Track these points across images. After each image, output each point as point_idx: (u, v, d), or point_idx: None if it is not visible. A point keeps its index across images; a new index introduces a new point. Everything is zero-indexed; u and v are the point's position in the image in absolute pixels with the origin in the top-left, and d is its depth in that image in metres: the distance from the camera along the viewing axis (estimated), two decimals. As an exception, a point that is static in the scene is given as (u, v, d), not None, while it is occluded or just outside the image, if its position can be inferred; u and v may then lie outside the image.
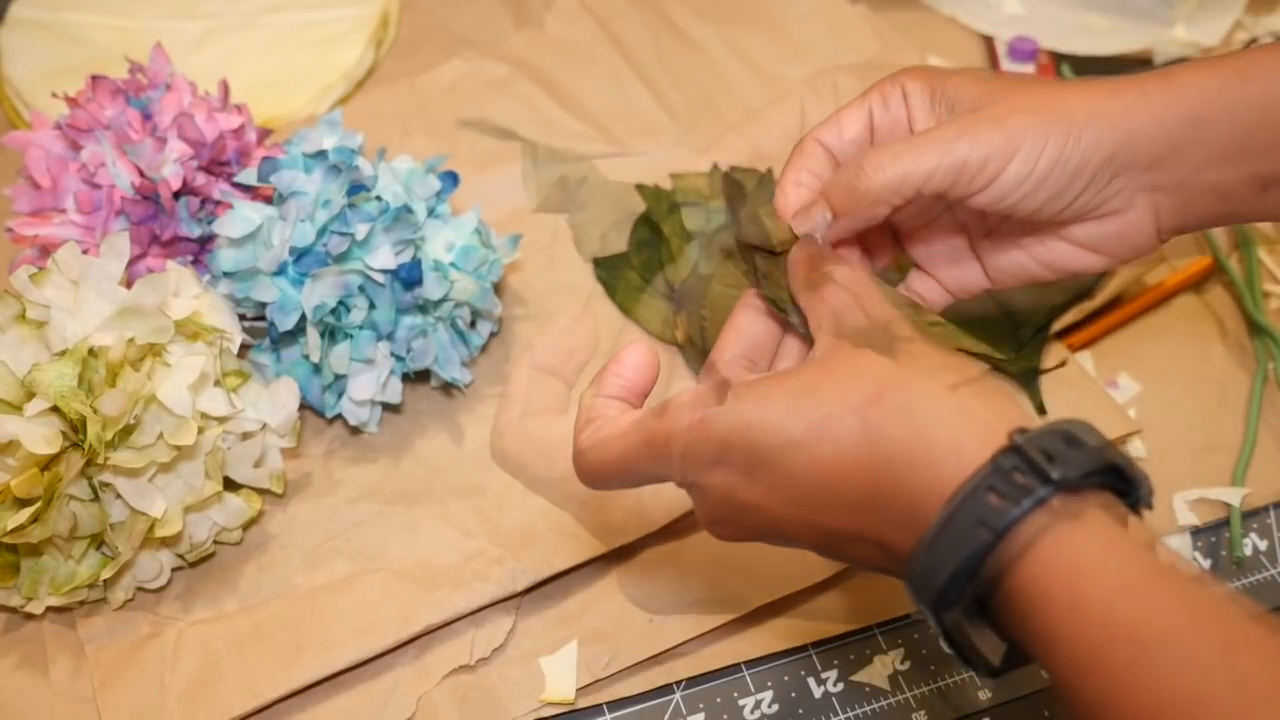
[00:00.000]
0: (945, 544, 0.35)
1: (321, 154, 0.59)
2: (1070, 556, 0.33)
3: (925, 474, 0.36)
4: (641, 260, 0.70)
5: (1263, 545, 0.62)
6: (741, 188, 0.70)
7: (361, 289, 0.59)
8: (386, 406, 0.64)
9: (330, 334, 0.60)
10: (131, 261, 0.59)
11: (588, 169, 0.45)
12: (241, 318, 0.60)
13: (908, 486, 0.36)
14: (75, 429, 0.52)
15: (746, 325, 0.46)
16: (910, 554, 0.36)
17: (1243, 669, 0.31)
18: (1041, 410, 0.64)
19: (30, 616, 0.57)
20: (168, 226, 0.61)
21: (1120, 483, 0.36)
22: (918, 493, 0.36)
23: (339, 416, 0.63)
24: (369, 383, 0.60)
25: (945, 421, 0.36)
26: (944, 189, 0.44)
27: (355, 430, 0.63)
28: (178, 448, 0.54)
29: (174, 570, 0.58)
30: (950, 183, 0.44)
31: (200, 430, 0.54)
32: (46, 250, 0.61)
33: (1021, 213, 0.45)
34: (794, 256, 0.45)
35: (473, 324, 0.64)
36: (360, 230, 0.57)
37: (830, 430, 0.38)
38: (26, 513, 0.51)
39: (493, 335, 0.66)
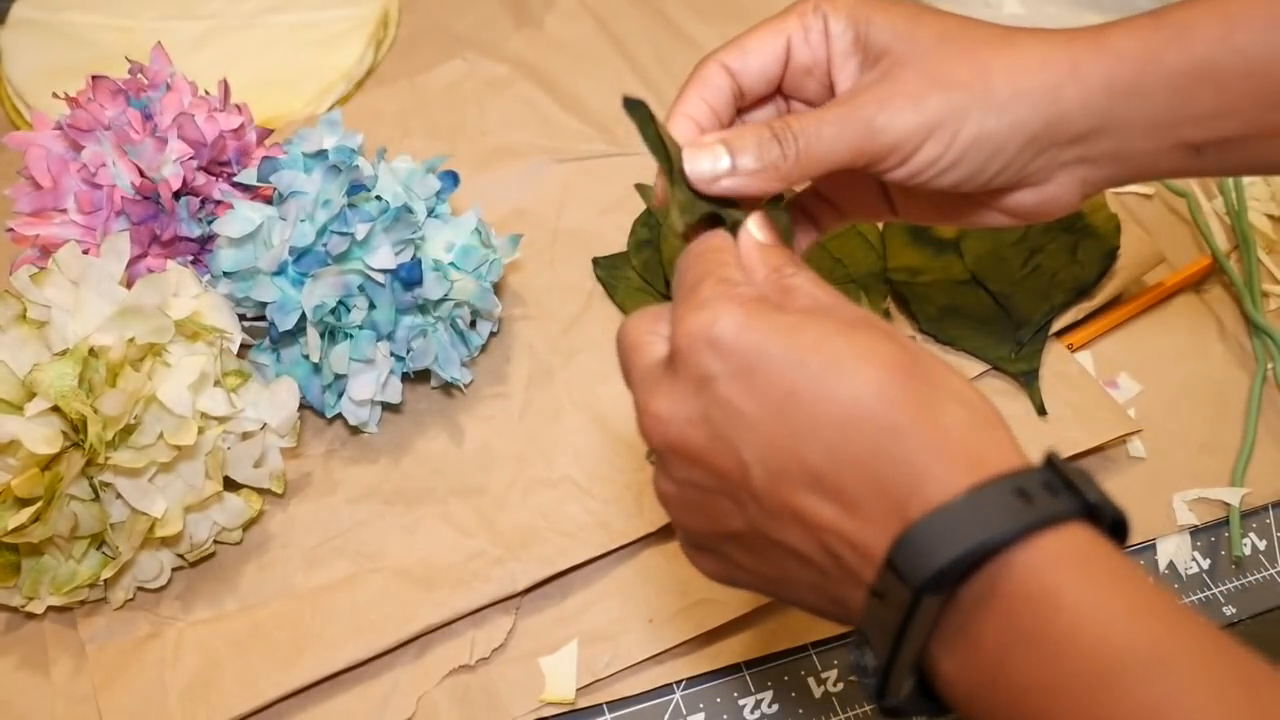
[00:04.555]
0: (962, 523, 0.33)
1: (321, 154, 0.59)
2: (1092, 567, 0.32)
3: (937, 460, 0.34)
4: (641, 260, 0.70)
5: (1262, 545, 0.62)
6: None
7: (361, 289, 0.59)
8: (386, 406, 0.64)
9: (330, 334, 0.60)
10: (131, 261, 0.59)
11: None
12: (241, 318, 0.60)
13: (915, 462, 0.34)
14: (76, 429, 0.52)
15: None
16: (914, 522, 0.33)
17: (1267, 704, 0.30)
18: (1041, 410, 0.64)
19: (31, 616, 0.57)
20: (168, 226, 0.61)
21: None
22: (922, 474, 0.34)
23: (339, 416, 0.63)
24: (369, 383, 0.60)
25: (968, 427, 0.35)
26: (854, 166, 0.42)
27: (355, 430, 0.64)
28: (178, 448, 0.54)
29: (174, 570, 0.58)
30: (861, 163, 0.42)
31: (200, 430, 0.54)
32: (47, 250, 0.61)
33: (935, 187, 0.43)
34: (748, 247, 0.42)
35: (473, 324, 0.64)
36: (360, 230, 0.57)
37: (853, 371, 0.35)
38: (27, 512, 0.51)
39: (493, 335, 0.67)
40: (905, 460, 0.34)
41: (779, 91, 0.46)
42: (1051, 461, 0.34)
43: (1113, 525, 0.34)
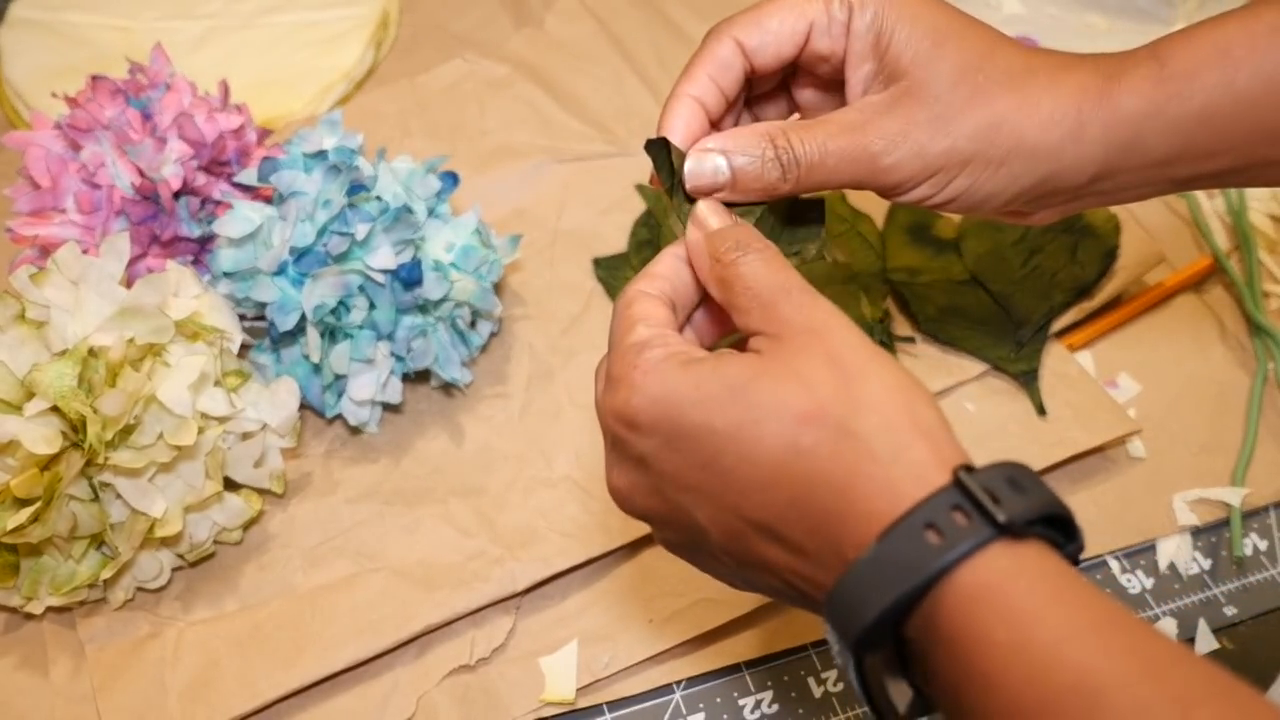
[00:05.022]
0: (875, 580, 0.33)
1: (321, 154, 0.59)
2: (1015, 598, 0.32)
3: (855, 501, 0.34)
4: (641, 260, 0.70)
5: (1263, 545, 0.62)
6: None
7: (361, 289, 0.59)
8: (386, 406, 0.64)
9: (330, 334, 0.60)
10: (131, 261, 0.59)
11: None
12: (241, 318, 0.60)
13: (835, 508, 0.34)
14: (75, 429, 0.52)
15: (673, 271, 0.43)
16: (834, 586, 0.34)
17: None
18: (1041, 410, 0.64)
19: (30, 616, 0.57)
20: (168, 226, 0.61)
21: (1057, 534, 0.34)
22: (844, 517, 0.34)
23: (339, 416, 0.63)
24: (369, 383, 0.60)
25: (882, 455, 0.34)
26: (854, 185, 0.44)
27: (355, 430, 0.63)
28: (178, 448, 0.54)
29: (174, 570, 0.58)
30: (858, 187, 0.44)
31: (200, 430, 0.54)
32: (46, 250, 0.61)
33: (927, 207, 0.45)
34: (694, 240, 0.42)
35: (473, 324, 0.64)
36: (360, 230, 0.57)
37: (759, 432, 0.35)
38: (26, 513, 0.51)
39: (493, 335, 0.66)
40: (828, 509, 0.34)
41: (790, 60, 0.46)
42: (959, 481, 0.33)
43: (1052, 522, 0.34)
